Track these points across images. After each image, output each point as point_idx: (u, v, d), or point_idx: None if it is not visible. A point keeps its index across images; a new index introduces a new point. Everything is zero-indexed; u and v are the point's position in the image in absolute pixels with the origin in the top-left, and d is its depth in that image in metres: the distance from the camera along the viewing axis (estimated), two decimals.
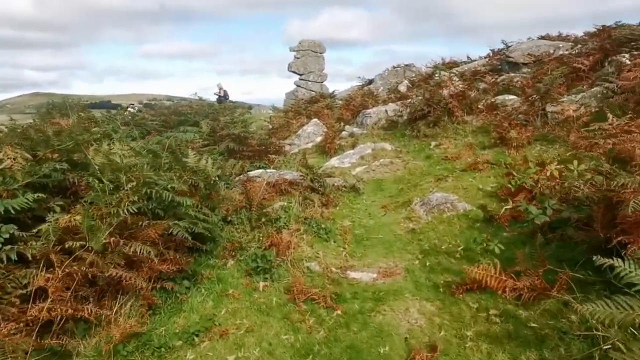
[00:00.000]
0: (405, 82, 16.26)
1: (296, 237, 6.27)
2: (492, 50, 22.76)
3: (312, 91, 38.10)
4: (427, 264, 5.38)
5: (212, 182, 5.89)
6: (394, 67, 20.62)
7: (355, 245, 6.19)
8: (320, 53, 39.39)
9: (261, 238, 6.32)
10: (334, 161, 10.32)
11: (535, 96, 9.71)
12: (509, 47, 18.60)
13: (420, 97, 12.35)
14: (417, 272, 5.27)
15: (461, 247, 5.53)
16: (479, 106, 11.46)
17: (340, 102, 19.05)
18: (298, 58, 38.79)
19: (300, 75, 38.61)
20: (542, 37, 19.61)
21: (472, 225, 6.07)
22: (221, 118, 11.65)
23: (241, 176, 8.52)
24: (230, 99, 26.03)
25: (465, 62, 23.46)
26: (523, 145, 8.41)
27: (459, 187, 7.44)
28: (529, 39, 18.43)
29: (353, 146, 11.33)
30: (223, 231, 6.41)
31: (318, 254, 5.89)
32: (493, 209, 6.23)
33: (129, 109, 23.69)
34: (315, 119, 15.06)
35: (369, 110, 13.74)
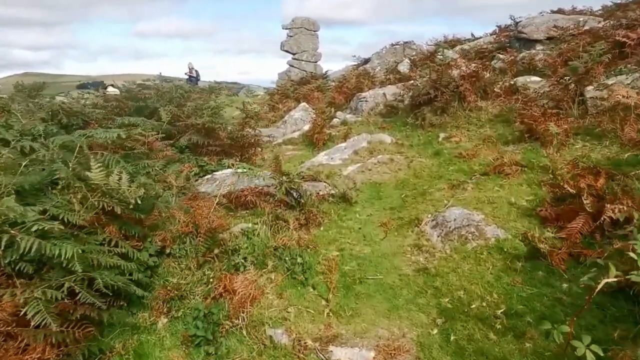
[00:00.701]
0: (406, 61, 14.18)
1: (260, 279, 4.34)
2: (499, 27, 20.58)
3: (305, 71, 35.81)
4: (452, 337, 3.46)
5: (135, 203, 3.93)
6: (392, 45, 18.45)
7: (344, 293, 4.24)
8: (315, 31, 36.94)
9: (211, 279, 4.39)
10: (321, 157, 8.34)
11: (568, 78, 7.70)
12: (518, 22, 16.45)
13: (425, 79, 10.33)
14: (436, 353, 3.36)
15: (502, 310, 3.60)
16: (495, 89, 9.45)
17: (333, 83, 16.96)
18: (291, 36, 36.35)
19: (294, 54, 36.25)
20: (555, 12, 17.50)
21: (511, 265, 4.13)
22: (188, 104, 9.64)
23: (197, 182, 6.55)
24: (203, 79, 24.04)
25: (469, 40, 21.28)
26: (562, 142, 6.44)
27: (483, 200, 5.48)
28: (540, 13, 16.31)
29: (345, 137, 9.34)
30: (158, 270, 4.48)
31: (289, 311, 3.96)
32: (538, 239, 4.30)
33: (107, 89, 21.56)
34: (304, 103, 13.02)
35: (364, 94, 11.70)
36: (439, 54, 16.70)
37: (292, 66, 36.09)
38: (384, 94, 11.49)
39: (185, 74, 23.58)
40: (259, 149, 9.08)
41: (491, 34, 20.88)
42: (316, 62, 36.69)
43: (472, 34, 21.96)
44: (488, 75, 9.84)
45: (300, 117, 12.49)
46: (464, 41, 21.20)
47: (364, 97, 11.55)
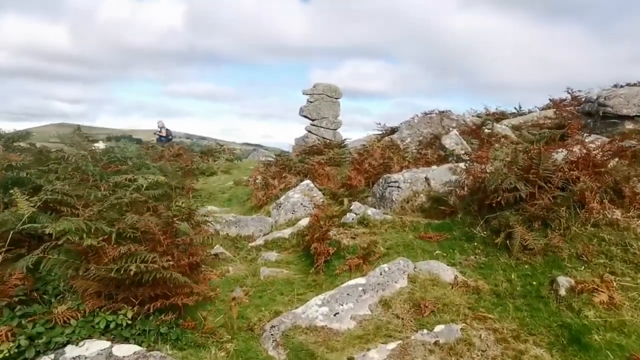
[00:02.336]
0: (454, 133, 10.08)
1: None
2: (553, 100, 16.63)
3: (324, 138, 32.28)
4: None
5: None
6: (426, 114, 14.47)
7: None
8: (336, 98, 33.73)
9: None
10: (316, 307, 4.00)
11: None
12: (597, 96, 12.24)
13: (498, 162, 6.11)
14: None
15: None
16: (636, 190, 5.15)
17: (352, 155, 12.93)
18: (311, 102, 33.13)
19: (312, 120, 32.96)
20: None
21: None
22: (115, 178, 5.57)
23: None
24: (175, 138, 20.68)
25: (516, 114, 17.31)
26: None
27: None
28: (628, 84, 12.31)
29: (365, 259, 4.96)
30: None
31: None
32: None
33: (98, 142, 17.96)
34: (308, 181, 8.88)
35: (395, 176, 7.49)
36: (487, 127, 12.60)
37: (310, 132, 32.56)
38: (426, 178, 7.26)
39: (155, 133, 20.06)
40: (202, 275, 4.69)
41: (543, 108, 16.93)
42: (336, 129, 33.16)
43: (519, 107, 18.04)
44: (613, 163, 5.55)
45: (300, 201, 8.28)
46: (510, 115, 17.24)
47: (395, 182, 7.32)
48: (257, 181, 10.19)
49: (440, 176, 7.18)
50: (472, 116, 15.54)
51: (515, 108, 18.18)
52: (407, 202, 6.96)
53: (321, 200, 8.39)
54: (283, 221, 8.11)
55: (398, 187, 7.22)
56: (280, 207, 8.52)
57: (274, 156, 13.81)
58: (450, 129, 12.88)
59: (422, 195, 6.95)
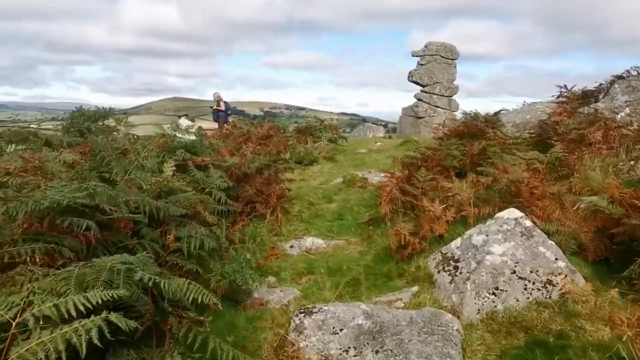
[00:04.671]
0: None
1: None
2: None
3: (438, 107, 26.36)
4: None
5: None
6: None
7: None
8: (452, 59, 27.15)
9: None
10: None
11: None
12: None
13: None
14: None
15: None
16: None
17: (515, 139, 7.64)
18: (422, 65, 26.99)
19: (424, 86, 26.98)
20: None
21: None
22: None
23: None
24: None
25: None
26: None
27: None
28: None
29: None
30: None
31: None
32: None
33: (180, 120, 14.65)
34: (516, 213, 3.92)
35: None
36: None
37: (421, 100, 26.66)
38: None
39: (211, 107, 16.00)
40: None
41: None
42: (451, 96, 26.92)
43: None
44: None
45: (511, 264, 3.44)
46: None
47: None
48: (393, 197, 5.36)
49: None
50: None
51: None
52: None
53: (563, 266, 3.39)
54: (475, 315, 3.29)
55: None
56: (458, 270, 3.71)
57: (418, 149, 8.72)
58: None
59: None
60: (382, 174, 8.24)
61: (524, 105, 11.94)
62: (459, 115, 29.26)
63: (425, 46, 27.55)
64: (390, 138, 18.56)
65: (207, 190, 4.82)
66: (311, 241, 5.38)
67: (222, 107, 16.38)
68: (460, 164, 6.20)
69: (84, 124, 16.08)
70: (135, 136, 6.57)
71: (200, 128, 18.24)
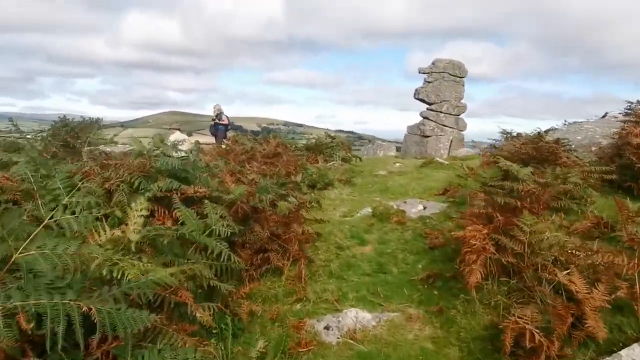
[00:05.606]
0: None
1: None
2: None
3: (445, 126, 24.80)
4: None
5: None
6: None
7: None
8: (460, 77, 25.70)
9: None
10: None
11: None
12: None
13: None
14: None
15: None
16: None
17: (597, 165, 5.84)
18: (429, 82, 25.49)
19: (430, 104, 25.40)
20: None
21: None
22: None
23: None
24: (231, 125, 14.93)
25: None
26: None
27: None
28: None
29: None
30: None
31: None
32: None
33: (174, 133, 13.03)
34: None
35: None
36: None
37: (427, 118, 25.07)
38: None
39: (212, 120, 14.26)
40: None
41: None
42: (459, 115, 25.38)
43: None
44: None
45: None
46: None
47: None
48: (485, 254, 3.51)
49: None
50: None
51: None
52: None
53: None
54: None
55: None
56: None
57: (467, 174, 6.94)
58: None
59: None
60: (421, 206, 6.43)
61: (567, 124, 10.24)
62: (465, 133, 27.55)
63: (433, 63, 26.06)
64: (403, 158, 16.81)
65: (200, 245, 2.97)
66: (353, 316, 3.51)
67: (226, 121, 14.61)
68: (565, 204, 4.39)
69: (71, 133, 14.14)
70: (104, 153, 4.73)
71: (197, 143, 16.24)
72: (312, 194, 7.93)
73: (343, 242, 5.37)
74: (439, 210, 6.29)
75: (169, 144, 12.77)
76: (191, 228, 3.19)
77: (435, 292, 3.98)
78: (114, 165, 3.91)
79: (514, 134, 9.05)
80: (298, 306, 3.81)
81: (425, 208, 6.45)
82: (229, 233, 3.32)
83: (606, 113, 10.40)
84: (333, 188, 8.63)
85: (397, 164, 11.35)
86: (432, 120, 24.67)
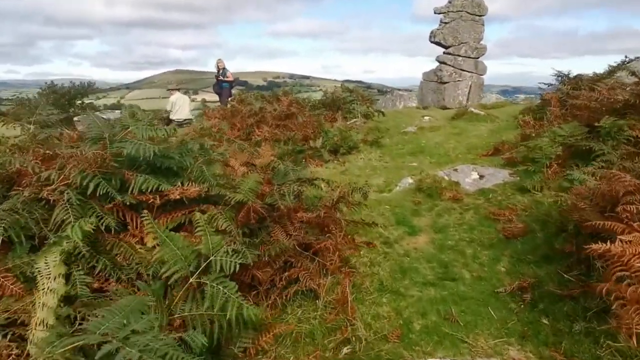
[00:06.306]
0: None
1: None
2: None
3: (463, 70, 22.64)
4: None
5: None
6: None
7: None
8: (480, 16, 22.93)
9: None
10: None
11: None
12: None
13: None
14: None
15: None
16: None
17: None
18: (446, 23, 22.85)
19: (447, 47, 23.04)
20: None
21: None
22: None
23: None
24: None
25: None
26: None
27: None
28: None
29: None
30: None
31: None
32: None
33: (172, 93, 11.66)
34: None
35: None
36: None
37: (444, 63, 22.81)
38: None
39: (216, 76, 12.50)
40: None
41: None
42: (478, 57, 23.10)
43: None
44: None
45: None
46: None
47: None
48: None
49: None
50: None
51: None
52: None
53: None
54: None
55: None
56: None
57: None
58: None
59: None
60: (476, 174, 5.03)
61: None
62: (485, 79, 25.33)
63: (449, 1, 23.36)
64: (425, 108, 15.12)
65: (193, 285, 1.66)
66: None
67: (231, 77, 12.99)
68: None
69: (62, 100, 12.69)
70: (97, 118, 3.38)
71: (203, 102, 14.61)
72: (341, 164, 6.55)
73: (388, 232, 4.05)
74: (501, 180, 4.88)
75: (168, 107, 11.16)
76: (173, 267, 1.86)
77: (544, 320, 2.68)
78: (62, 158, 2.54)
79: (571, 76, 7.40)
80: (345, 350, 2.55)
81: (482, 177, 5.04)
82: (236, 267, 1.99)
83: None
84: (359, 152, 7.21)
85: (426, 118, 9.81)
86: (449, 65, 22.45)
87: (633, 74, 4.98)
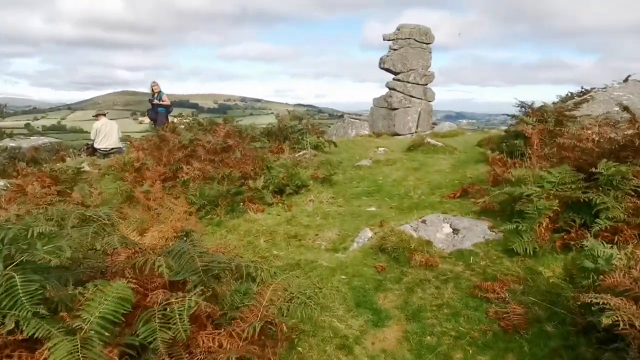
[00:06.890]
0: None
1: None
2: None
3: (412, 97, 22.45)
4: None
5: None
6: None
7: None
8: (427, 44, 23.05)
9: None
10: None
11: None
12: None
13: None
14: None
15: None
16: None
17: None
18: (395, 49, 22.65)
19: (396, 73, 22.80)
20: None
21: None
22: None
23: None
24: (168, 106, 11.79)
25: None
26: None
27: None
28: None
29: None
30: None
31: None
32: None
33: (98, 118, 10.07)
34: None
35: None
36: None
37: (394, 89, 22.52)
38: None
39: (150, 100, 11.37)
40: None
41: None
42: (426, 84, 23.03)
43: None
44: None
45: None
46: None
47: None
48: None
49: None
50: None
51: None
52: None
53: None
54: None
55: None
56: None
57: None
58: None
59: None
60: (448, 227, 4.05)
61: (583, 91, 8.06)
62: (433, 105, 25.32)
63: (398, 29, 23.25)
64: (378, 136, 14.39)
65: None
66: None
67: (167, 101, 11.62)
68: None
69: None
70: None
71: (151, 124, 13.18)
72: (283, 205, 5.37)
73: (345, 323, 2.88)
74: (482, 237, 3.90)
75: (92, 134, 9.54)
76: None
77: None
78: None
79: (535, 107, 6.78)
80: None
81: (456, 232, 4.05)
82: None
83: (629, 76, 8.33)
84: (308, 191, 6.07)
85: (381, 149, 8.90)
86: (399, 92, 22.14)
87: (625, 109, 4.25)
